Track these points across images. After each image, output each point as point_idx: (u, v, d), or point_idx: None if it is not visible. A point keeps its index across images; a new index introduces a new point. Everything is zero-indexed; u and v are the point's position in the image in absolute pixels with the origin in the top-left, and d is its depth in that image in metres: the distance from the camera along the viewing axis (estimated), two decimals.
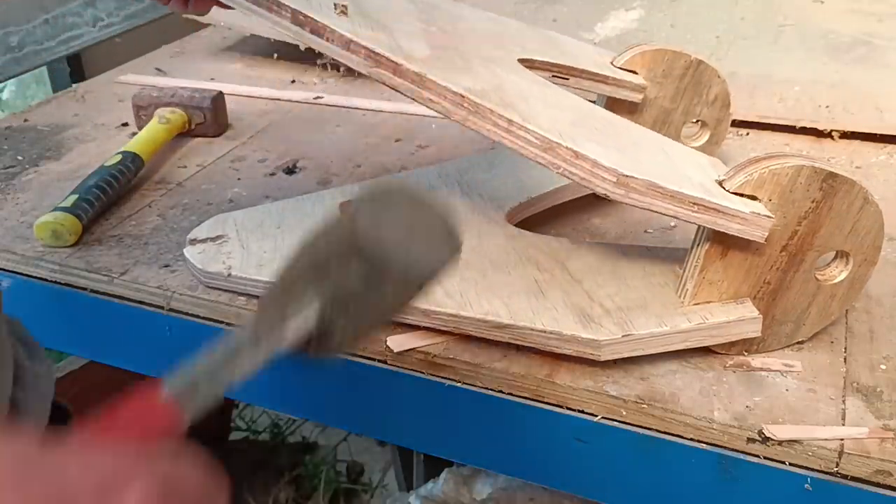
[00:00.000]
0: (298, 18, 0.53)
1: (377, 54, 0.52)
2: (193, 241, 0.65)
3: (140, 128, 0.87)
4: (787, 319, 0.54)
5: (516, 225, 0.66)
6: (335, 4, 0.56)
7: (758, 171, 0.50)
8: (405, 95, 0.53)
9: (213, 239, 0.65)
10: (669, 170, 0.52)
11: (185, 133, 0.89)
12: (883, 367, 0.54)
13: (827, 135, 0.85)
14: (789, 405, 0.51)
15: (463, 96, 0.52)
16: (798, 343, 0.56)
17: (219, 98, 0.90)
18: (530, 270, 0.58)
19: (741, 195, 0.51)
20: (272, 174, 0.81)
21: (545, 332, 0.53)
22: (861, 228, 0.52)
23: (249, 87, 1.01)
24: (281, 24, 0.53)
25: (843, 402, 0.51)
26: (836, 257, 0.54)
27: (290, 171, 0.82)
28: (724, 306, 0.53)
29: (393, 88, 0.53)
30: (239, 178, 0.81)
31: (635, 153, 0.54)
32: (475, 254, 0.61)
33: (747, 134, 0.87)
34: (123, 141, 0.83)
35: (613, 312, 0.54)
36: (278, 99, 0.99)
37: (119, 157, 0.77)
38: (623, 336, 0.52)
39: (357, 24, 0.54)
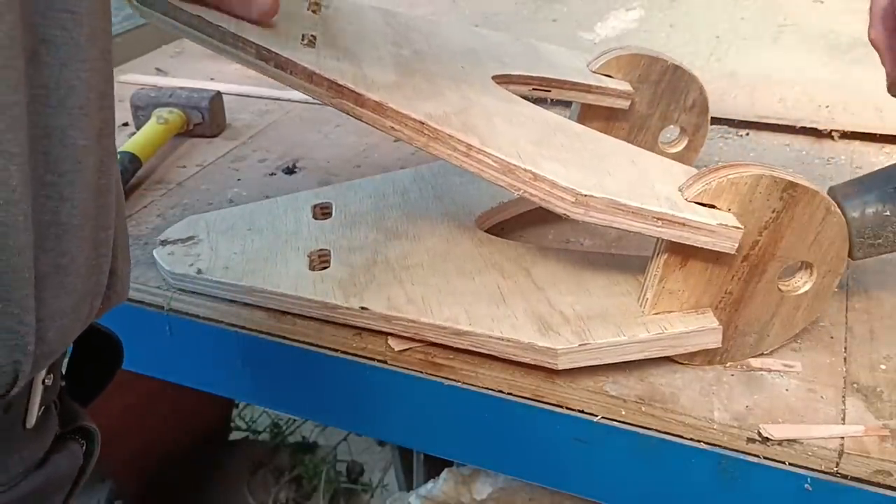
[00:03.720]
0: (262, 54, 0.54)
1: (339, 86, 0.53)
2: (164, 242, 0.65)
3: (138, 128, 0.87)
4: (751, 330, 0.54)
5: (489, 229, 0.66)
6: (303, 35, 0.56)
7: (716, 180, 0.50)
8: (368, 124, 0.54)
9: (183, 240, 0.65)
10: (636, 184, 0.52)
11: (184, 133, 0.89)
12: (883, 367, 0.54)
13: (827, 135, 0.85)
14: (789, 405, 0.51)
15: (422, 123, 0.52)
16: (794, 343, 0.56)
17: (217, 98, 0.90)
18: (494, 277, 0.58)
19: (702, 205, 0.50)
20: (272, 174, 0.81)
21: (503, 339, 0.53)
22: (824, 239, 0.51)
23: (249, 87, 1.01)
24: (246, 60, 0.55)
25: (843, 402, 0.51)
26: (800, 268, 0.53)
27: (290, 171, 0.82)
28: (684, 316, 0.53)
29: (356, 118, 0.54)
30: (239, 179, 0.81)
31: (601, 168, 0.53)
32: (441, 259, 0.61)
33: (747, 134, 0.87)
34: (124, 141, 0.83)
35: (573, 321, 0.53)
36: (278, 99, 0.99)
37: (117, 157, 0.77)
38: (580, 345, 0.52)
39: (322, 55, 0.55)
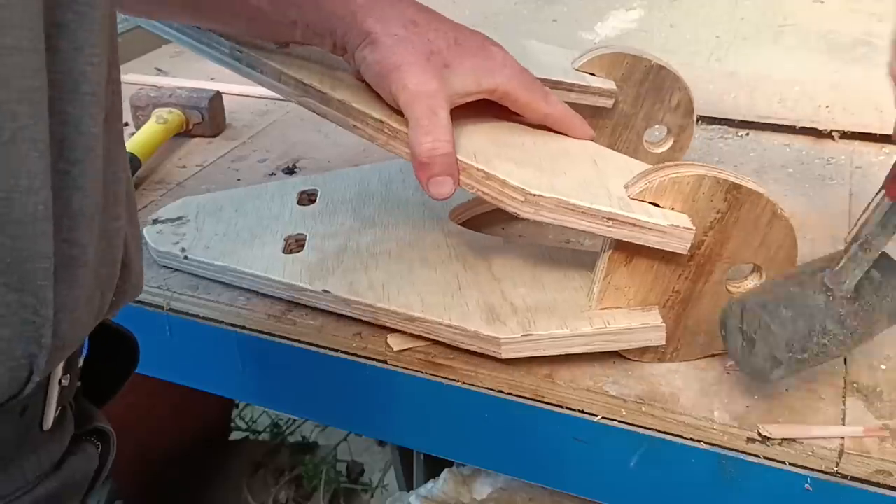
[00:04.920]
0: (236, 53, 0.56)
1: (306, 84, 0.54)
2: (156, 221, 0.68)
3: (138, 128, 0.87)
4: (701, 330, 0.54)
5: (466, 222, 0.67)
6: None
7: (658, 179, 0.50)
8: (334, 122, 0.55)
9: (172, 220, 0.68)
10: (590, 183, 0.52)
11: (184, 133, 0.89)
12: (883, 367, 0.54)
13: (827, 135, 0.85)
14: (789, 405, 0.51)
15: (382, 122, 0.53)
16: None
17: (216, 98, 0.90)
18: (455, 267, 0.59)
19: (651, 204, 0.50)
20: (272, 174, 0.81)
21: (451, 326, 0.54)
22: (772, 242, 0.51)
23: (250, 87, 1.01)
24: (220, 59, 0.58)
25: (843, 402, 0.51)
26: (753, 270, 0.53)
27: (290, 171, 0.82)
28: (629, 313, 0.53)
29: (322, 116, 0.55)
30: (239, 179, 0.81)
31: (557, 168, 0.54)
32: (409, 248, 0.62)
33: (747, 134, 0.87)
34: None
35: (521, 312, 0.54)
36: (278, 99, 0.99)
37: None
38: (522, 335, 0.52)
39: (293, 55, 0.57)
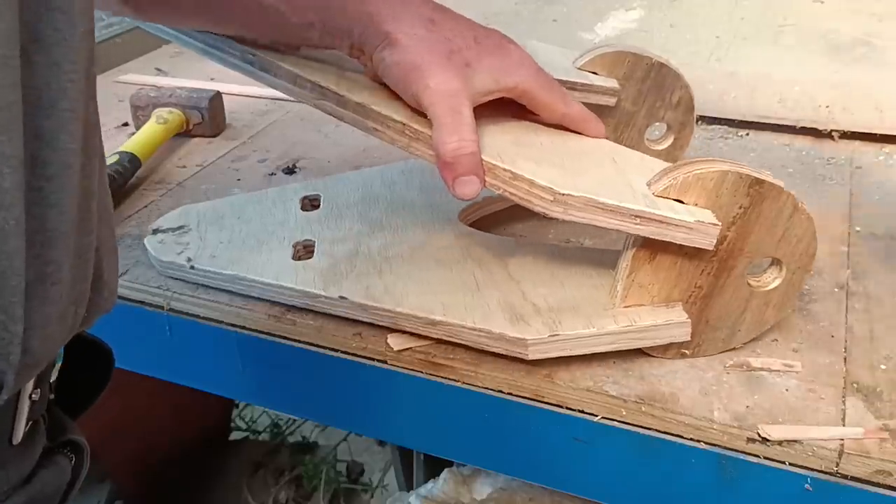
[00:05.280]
0: (248, 57, 0.56)
1: (322, 87, 0.54)
2: (156, 231, 0.67)
3: (138, 128, 0.87)
4: (722, 325, 0.54)
5: (474, 223, 0.67)
6: None
7: (682, 175, 0.50)
8: (351, 125, 0.54)
9: (173, 229, 0.67)
10: (614, 182, 0.52)
11: (184, 133, 0.89)
12: (883, 367, 0.54)
13: (827, 135, 0.85)
14: (789, 405, 0.51)
15: (404, 124, 0.53)
16: (794, 343, 0.56)
17: (216, 98, 0.90)
18: (471, 268, 0.59)
19: (675, 200, 0.50)
20: (272, 174, 0.81)
21: (475, 329, 0.53)
22: (792, 236, 0.51)
23: (250, 87, 1.01)
24: (231, 63, 0.57)
25: (843, 402, 0.51)
26: (771, 264, 0.53)
27: (290, 171, 0.82)
28: (654, 310, 0.53)
29: (339, 119, 0.54)
30: (239, 179, 0.81)
31: (580, 167, 0.54)
32: (422, 251, 0.62)
33: (747, 134, 0.87)
34: (123, 141, 0.83)
35: (544, 312, 0.54)
36: (278, 99, 0.99)
37: (116, 157, 0.77)
38: (549, 336, 0.52)
39: (307, 57, 0.56)
